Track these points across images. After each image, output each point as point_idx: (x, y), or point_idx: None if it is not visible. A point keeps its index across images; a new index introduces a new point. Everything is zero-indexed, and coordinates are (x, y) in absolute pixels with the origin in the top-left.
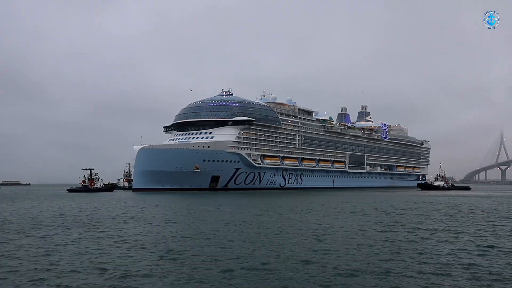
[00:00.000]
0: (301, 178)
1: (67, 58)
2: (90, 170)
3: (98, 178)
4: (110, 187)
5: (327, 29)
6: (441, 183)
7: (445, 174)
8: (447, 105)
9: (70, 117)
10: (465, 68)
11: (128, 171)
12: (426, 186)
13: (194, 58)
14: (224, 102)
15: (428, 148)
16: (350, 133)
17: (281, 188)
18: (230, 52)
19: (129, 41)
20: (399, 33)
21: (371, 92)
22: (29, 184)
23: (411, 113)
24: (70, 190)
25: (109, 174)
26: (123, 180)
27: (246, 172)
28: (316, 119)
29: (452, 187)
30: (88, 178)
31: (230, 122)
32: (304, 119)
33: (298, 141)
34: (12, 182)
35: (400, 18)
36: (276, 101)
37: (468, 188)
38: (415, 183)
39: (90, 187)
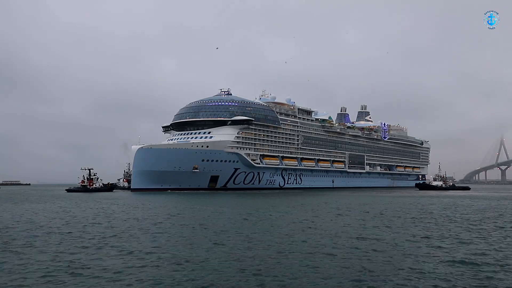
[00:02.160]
0: (300, 178)
1: (66, 53)
2: (89, 170)
3: (97, 178)
4: (109, 187)
5: (335, 25)
6: (439, 183)
7: (445, 174)
8: (462, 102)
9: (70, 115)
10: (486, 64)
11: (128, 171)
12: (424, 186)
13: (200, 51)
14: (223, 101)
15: (428, 148)
16: (350, 133)
17: (280, 188)
18: (237, 46)
19: (131, 35)
20: (411, 29)
21: (374, 91)
22: (29, 184)
23: (415, 111)
24: (68, 190)
25: (111, 173)
26: (123, 180)
27: (245, 172)
28: (316, 118)
29: (453, 187)
30: (87, 178)
31: (229, 122)
32: (303, 118)
33: (298, 141)
34: (12, 182)
35: (416, 13)
36: (275, 100)
37: (467, 188)
38: (414, 183)
39: (88, 187)
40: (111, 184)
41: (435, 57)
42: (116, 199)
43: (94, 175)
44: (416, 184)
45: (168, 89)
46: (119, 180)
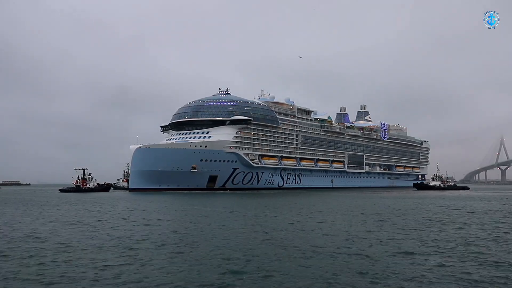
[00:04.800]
0: (299, 178)
1: (65, 47)
2: (84, 170)
3: (91, 178)
4: (105, 187)
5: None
6: (437, 183)
7: (447, 174)
8: (479, 99)
9: (70, 114)
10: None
11: (127, 171)
12: (422, 186)
13: (207, 41)
14: (222, 101)
15: (428, 148)
16: (349, 133)
17: (279, 188)
18: (247, 34)
19: (133, 29)
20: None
21: (375, 89)
22: (29, 184)
23: (425, 109)
24: (62, 190)
25: (112, 173)
26: (122, 180)
27: (244, 172)
28: (315, 118)
29: (453, 187)
30: (81, 178)
31: (228, 122)
32: (302, 118)
33: (297, 141)
34: (12, 182)
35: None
36: (275, 100)
37: (466, 188)
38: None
39: (82, 187)
40: (107, 184)
41: (461, 52)
42: (93, 201)
43: (89, 175)
44: (414, 184)
45: (171, 87)
46: (118, 180)
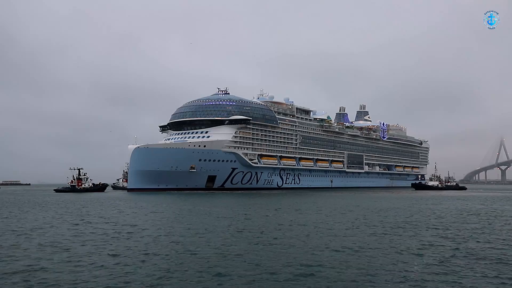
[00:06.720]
0: (298, 178)
1: (63, 41)
2: (79, 170)
3: (87, 178)
4: (100, 187)
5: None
6: (435, 183)
7: (448, 174)
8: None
9: (70, 112)
10: None
11: (127, 171)
12: (420, 186)
13: (211, 33)
14: (221, 101)
15: (427, 147)
16: (349, 133)
17: (279, 188)
18: (249, 33)
19: (134, 21)
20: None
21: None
22: (29, 184)
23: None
24: (57, 191)
25: (113, 172)
26: (122, 180)
27: (243, 172)
28: (314, 118)
29: (456, 187)
30: (76, 178)
31: (227, 122)
32: (301, 118)
33: (296, 141)
34: (12, 182)
35: None
36: (274, 100)
37: (464, 188)
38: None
39: (77, 187)
40: (102, 184)
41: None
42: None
43: (84, 175)
44: (412, 184)
45: (171, 85)
46: (118, 180)
